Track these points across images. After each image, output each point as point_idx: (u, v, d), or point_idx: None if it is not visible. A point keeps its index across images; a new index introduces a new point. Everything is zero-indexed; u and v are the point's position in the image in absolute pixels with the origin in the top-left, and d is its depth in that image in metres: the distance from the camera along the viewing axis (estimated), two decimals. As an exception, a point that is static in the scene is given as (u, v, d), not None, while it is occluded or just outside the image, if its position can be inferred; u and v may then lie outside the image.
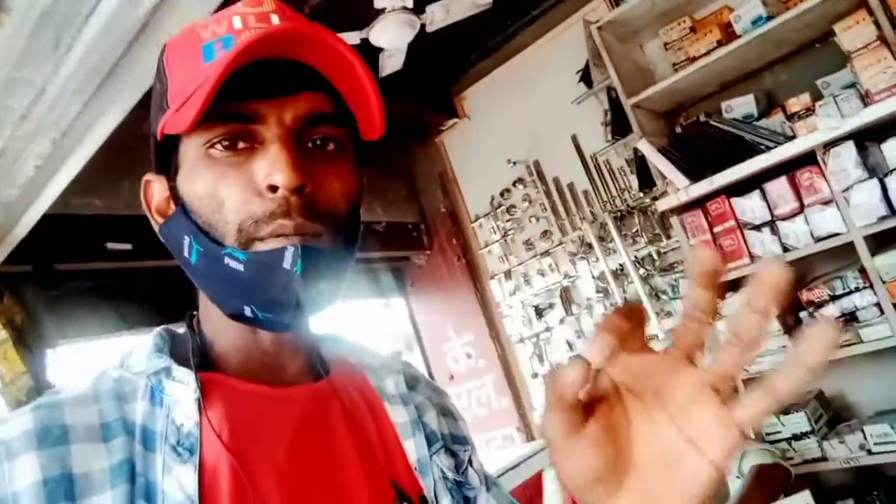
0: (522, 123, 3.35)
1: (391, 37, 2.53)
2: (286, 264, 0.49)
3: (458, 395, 3.64)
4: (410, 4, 2.42)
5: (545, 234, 3.30)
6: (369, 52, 2.59)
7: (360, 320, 3.65)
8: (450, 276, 3.67)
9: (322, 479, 0.54)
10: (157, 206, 0.58)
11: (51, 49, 0.99)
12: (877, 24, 2.00)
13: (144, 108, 2.39)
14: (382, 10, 2.41)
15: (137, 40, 1.10)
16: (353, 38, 2.44)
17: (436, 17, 2.53)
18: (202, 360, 0.56)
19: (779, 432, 2.28)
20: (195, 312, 0.60)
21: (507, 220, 3.43)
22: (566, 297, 3.24)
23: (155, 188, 0.58)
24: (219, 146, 0.51)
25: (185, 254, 0.54)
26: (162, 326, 0.59)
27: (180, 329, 0.60)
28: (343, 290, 0.55)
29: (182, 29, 0.55)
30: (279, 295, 0.50)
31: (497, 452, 3.38)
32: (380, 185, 3.62)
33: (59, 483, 0.45)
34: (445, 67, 3.53)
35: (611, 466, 0.38)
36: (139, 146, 2.41)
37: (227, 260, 0.51)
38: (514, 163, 3.34)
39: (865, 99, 2.03)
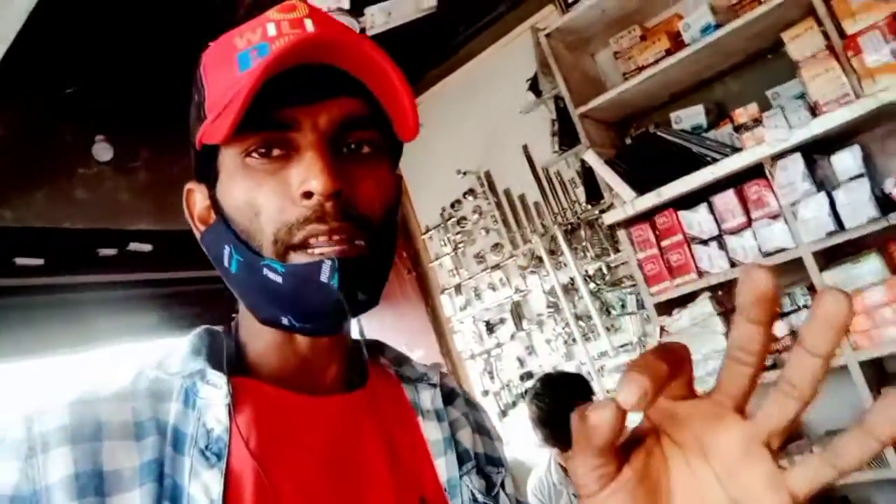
0: (474, 132, 3.25)
1: (329, 40, 2.41)
2: (324, 278, 0.49)
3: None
4: (347, 6, 2.30)
5: (496, 246, 3.20)
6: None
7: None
8: (400, 291, 3.55)
9: (349, 495, 0.54)
10: (199, 215, 0.58)
11: None
12: (825, 34, 1.95)
13: (59, 113, 2.21)
14: (327, 13, 2.28)
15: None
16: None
17: (376, 21, 2.42)
18: (238, 364, 0.57)
19: (728, 454, 2.20)
20: (235, 316, 0.61)
21: (458, 233, 3.33)
22: (517, 311, 3.14)
23: (196, 197, 0.58)
24: (255, 154, 0.51)
25: (226, 263, 0.54)
26: (203, 327, 0.60)
27: (220, 328, 0.61)
28: (380, 295, 0.55)
29: (218, 39, 0.56)
30: (316, 307, 0.51)
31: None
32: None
33: (89, 478, 0.45)
34: (395, 74, 3.42)
35: None
36: (58, 154, 2.24)
37: (265, 271, 0.51)
38: (465, 173, 3.24)
39: (814, 110, 1.97)
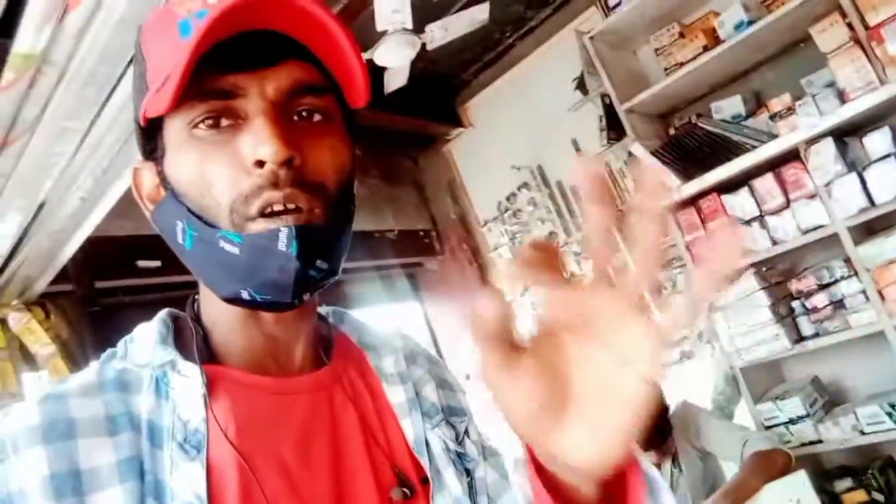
0: (525, 130, 3.49)
1: (394, 56, 2.69)
2: (281, 246, 0.48)
3: (473, 393, 3.77)
4: (410, 25, 2.57)
5: (551, 235, 3.43)
6: (375, 71, 2.75)
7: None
8: (462, 281, 3.82)
9: (329, 472, 0.53)
10: (147, 194, 0.56)
11: (93, 103, 1.16)
12: (850, 25, 2.12)
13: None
14: (384, 32, 2.57)
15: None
16: (358, 60, 2.60)
17: (435, 36, 2.68)
18: (204, 350, 0.55)
19: (776, 417, 2.39)
20: (196, 297, 0.59)
21: (514, 224, 3.57)
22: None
23: (144, 176, 0.56)
24: (202, 125, 0.49)
25: (179, 239, 0.52)
26: (165, 310, 0.59)
27: (182, 313, 0.59)
28: (341, 265, 0.54)
29: (158, 10, 0.54)
30: (276, 276, 0.49)
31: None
32: (390, 194, 3.78)
33: (66, 478, 0.44)
34: (450, 80, 3.69)
35: (550, 399, 0.37)
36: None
37: (222, 243, 0.49)
38: (519, 168, 3.48)
39: (843, 97, 2.14)
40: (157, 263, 2.63)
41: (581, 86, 3.09)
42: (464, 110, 3.78)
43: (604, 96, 2.93)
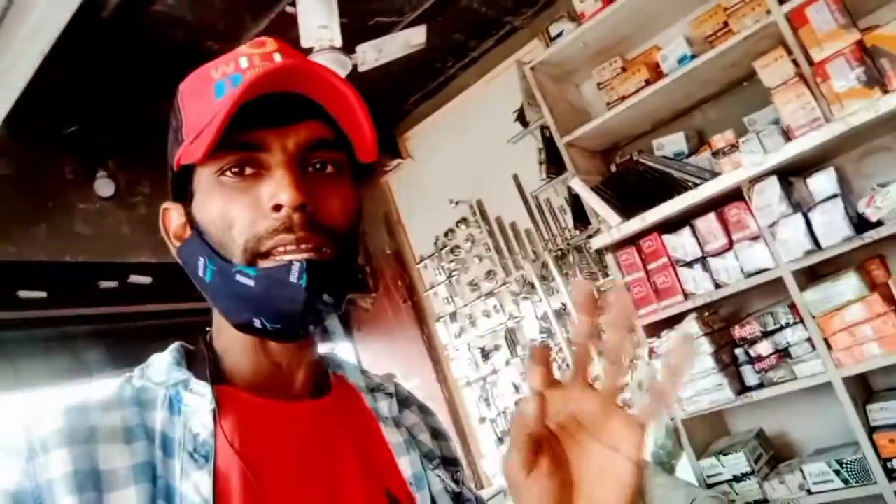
0: (465, 163, 3.34)
1: (322, 77, 2.50)
2: (293, 278, 0.53)
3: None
4: (339, 43, 2.40)
5: (489, 274, 3.26)
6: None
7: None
8: (396, 319, 3.60)
9: (324, 489, 0.58)
10: (174, 232, 0.62)
11: None
12: (794, 62, 2.03)
13: (60, 151, 2.29)
14: (310, 50, 2.38)
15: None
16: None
17: (367, 57, 2.51)
18: (216, 373, 0.60)
19: (720, 474, 2.22)
20: (209, 329, 0.64)
21: (452, 261, 3.39)
22: (511, 338, 3.18)
23: (172, 215, 0.63)
24: (229, 173, 0.56)
25: (201, 273, 0.58)
26: (178, 342, 0.64)
27: (193, 347, 0.65)
28: (344, 301, 0.60)
29: (195, 71, 0.61)
30: (287, 307, 0.55)
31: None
32: (323, 227, 3.56)
33: (87, 476, 0.49)
34: (388, 109, 3.53)
35: (562, 492, 0.47)
36: (62, 190, 2.33)
37: (238, 277, 0.55)
38: (457, 202, 3.32)
39: (787, 134, 2.05)
40: (41, 294, 2.33)
41: (521, 118, 2.96)
42: (402, 141, 3.62)
43: (544, 128, 2.80)
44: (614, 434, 0.45)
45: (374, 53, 2.53)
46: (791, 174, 2.13)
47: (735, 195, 2.18)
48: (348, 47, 2.47)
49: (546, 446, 0.47)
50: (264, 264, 0.55)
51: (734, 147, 2.16)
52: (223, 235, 0.56)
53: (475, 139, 3.29)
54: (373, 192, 3.73)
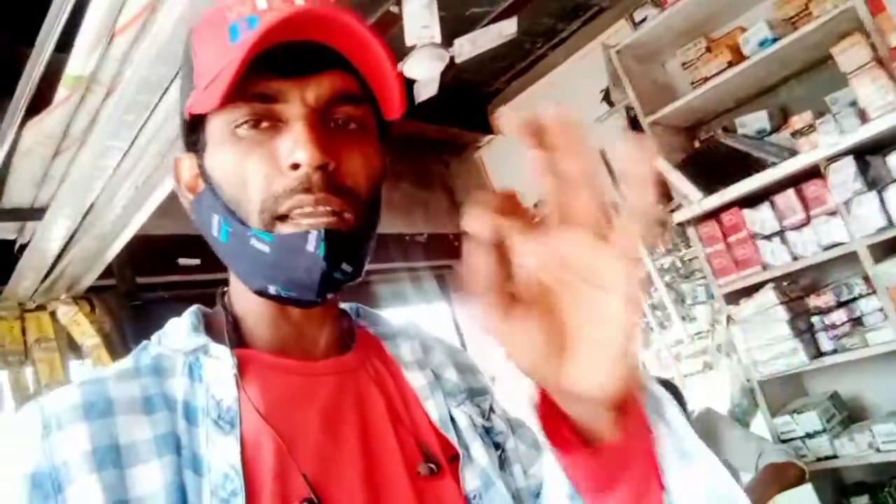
0: (554, 139, 3.53)
1: (423, 69, 2.78)
2: (310, 247, 0.50)
3: (500, 394, 3.85)
4: (439, 40, 2.66)
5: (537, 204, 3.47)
6: (405, 82, 2.85)
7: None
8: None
9: (357, 447, 0.56)
10: (186, 183, 0.59)
11: (133, 127, 1.29)
12: (872, 46, 2.12)
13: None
14: (413, 46, 2.66)
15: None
16: (389, 71, 2.70)
17: (464, 50, 2.76)
18: (235, 335, 0.58)
19: (793, 431, 2.40)
20: (226, 289, 0.62)
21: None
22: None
23: (185, 165, 0.59)
24: (244, 126, 0.52)
25: (215, 232, 0.55)
26: (196, 306, 0.62)
27: (210, 310, 0.63)
28: (364, 268, 0.56)
29: (209, 11, 0.56)
30: (302, 276, 0.52)
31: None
32: (422, 198, 3.88)
33: (106, 452, 0.47)
34: (482, 88, 3.77)
35: (551, 338, 0.40)
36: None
37: (253, 241, 0.52)
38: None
39: (863, 116, 2.15)
40: (196, 261, 2.78)
41: (607, 98, 3.13)
42: (495, 118, 3.86)
43: (629, 109, 2.97)
44: (600, 270, 0.38)
45: (469, 46, 2.77)
46: (869, 153, 2.23)
47: (813, 173, 2.30)
48: (445, 39, 2.73)
49: (525, 291, 0.40)
50: (281, 229, 0.52)
51: (812, 128, 2.28)
52: (237, 192, 0.53)
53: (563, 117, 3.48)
54: (468, 165, 4.00)
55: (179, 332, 0.58)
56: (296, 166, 0.50)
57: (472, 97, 3.80)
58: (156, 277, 2.71)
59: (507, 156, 3.84)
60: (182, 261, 2.78)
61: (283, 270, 0.52)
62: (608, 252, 0.38)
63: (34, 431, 0.48)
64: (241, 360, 0.56)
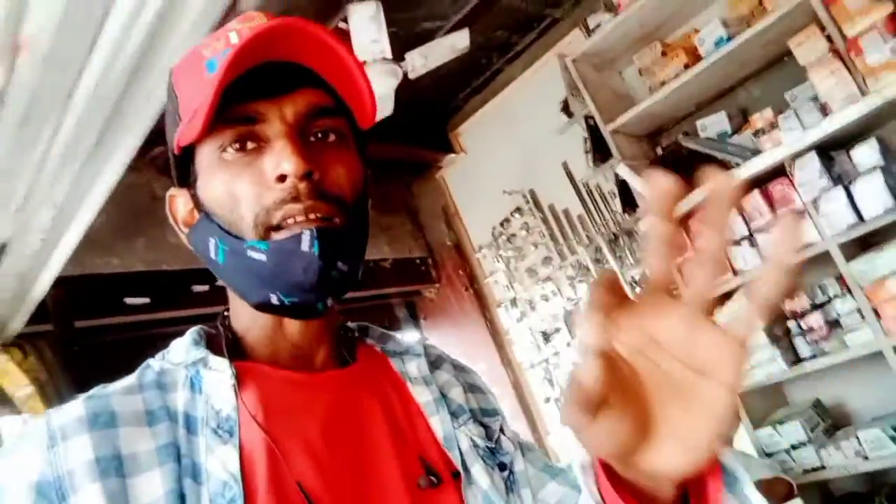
0: (516, 154, 3.46)
1: (376, 86, 2.68)
2: (304, 247, 0.52)
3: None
4: (389, 55, 2.57)
5: (546, 259, 3.38)
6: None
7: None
8: (459, 307, 3.77)
9: (354, 457, 0.56)
10: (182, 219, 0.61)
11: (39, 135, 1.16)
12: (828, 38, 2.07)
13: (151, 171, 2.55)
14: (364, 63, 2.57)
15: (116, 113, 1.26)
16: (338, 91, 2.60)
17: (416, 65, 2.68)
18: (236, 351, 0.60)
19: (777, 443, 2.29)
20: (226, 313, 0.64)
21: (509, 249, 3.53)
22: (570, 320, 3.31)
23: (178, 202, 0.62)
24: (230, 149, 0.55)
25: (213, 255, 0.57)
26: (198, 326, 0.63)
27: (213, 331, 0.64)
28: (359, 270, 0.58)
29: (186, 53, 0.60)
30: (301, 277, 0.53)
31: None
32: (385, 223, 3.76)
33: (109, 461, 0.48)
34: (440, 106, 3.68)
35: (636, 427, 0.37)
36: (152, 206, 2.60)
37: (250, 253, 0.54)
38: (511, 193, 3.45)
39: (825, 110, 2.09)
40: (145, 300, 2.63)
41: (566, 108, 3.06)
42: (455, 136, 3.77)
43: (588, 118, 2.90)
44: (703, 355, 0.36)
45: (421, 60, 2.69)
46: (834, 148, 2.17)
47: (778, 172, 2.23)
48: (397, 55, 2.64)
49: (614, 378, 0.37)
50: (275, 237, 0.54)
51: (774, 125, 2.21)
52: (232, 214, 0.55)
53: (524, 130, 3.41)
54: (430, 186, 3.90)
55: (181, 348, 0.60)
56: (282, 178, 0.53)
57: (430, 116, 3.71)
58: (99, 319, 2.54)
59: (468, 175, 3.74)
60: (129, 300, 2.62)
61: (282, 275, 0.54)
62: (721, 338, 0.36)
63: (40, 442, 0.49)
64: (241, 371, 0.57)
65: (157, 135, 2.82)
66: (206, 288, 2.80)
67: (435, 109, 3.68)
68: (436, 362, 0.71)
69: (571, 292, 3.29)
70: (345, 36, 2.55)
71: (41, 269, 1.71)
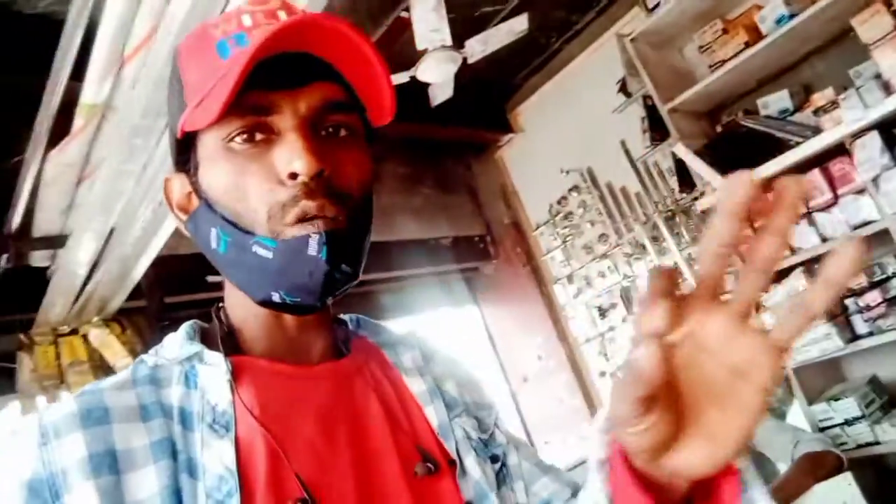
0: (573, 133, 3.51)
1: (436, 72, 2.78)
2: (312, 251, 0.51)
3: (531, 395, 3.83)
4: (450, 42, 2.66)
5: (602, 237, 3.45)
6: (421, 86, 2.86)
7: (437, 328, 3.93)
8: (517, 284, 3.88)
9: (351, 448, 0.56)
10: (178, 203, 0.60)
11: (142, 150, 1.32)
12: (894, 14, 2.05)
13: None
14: (425, 50, 2.67)
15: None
16: (401, 77, 2.72)
17: (475, 50, 2.76)
18: (231, 345, 0.59)
19: (831, 419, 2.33)
20: (221, 304, 0.63)
21: (566, 227, 3.60)
22: (626, 296, 3.37)
23: (175, 185, 0.60)
24: (238, 139, 0.53)
25: (213, 245, 0.56)
26: (192, 320, 0.63)
27: (207, 325, 0.64)
28: (361, 269, 0.57)
29: (193, 31, 0.58)
30: (306, 280, 0.53)
31: (573, 451, 3.55)
32: (445, 202, 3.88)
33: (102, 458, 0.48)
34: (499, 86, 3.75)
35: (670, 425, 0.38)
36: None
37: (255, 248, 0.53)
38: (568, 171, 3.51)
39: (888, 88, 2.07)
40: (223, 278, 2.84)
41: (623, 88, 3.09)
42: (514, 116, 3.84)
43: (646, 97, 2.92)
44: (744, 357, 0.37)
45: (480, 46, 2.76)
46: (894, 127, 2.15)
47: (839, 150, 2.23)
48: (457, 41, 2.73)
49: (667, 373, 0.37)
50: (286, 235, 0.53)
51: (835, 104, 2.21)
52: (239, 205, 0.54)
53: (583, 109, 3.45)
54: (489, 166, 4.00)
55: (175, 343, 0.59)
56: (294, 175, 0.52)
57: (489, 97, 3.79)
58: (184, 296, 2.76)
59: (526, 154, 3.82)
60: (210, 278, 2.84)
61: (288, 276, 0.53)
62: (761, 342, 0.37)
63: (32, 440, 0.49)
64: (236, 365, 0.57)
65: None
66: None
67: (494, 90, 3.75)
68: (429, 355, 0.71)
69: (628, 269, 3.35)
70: (406, 26, 2.65)
71: (141, 253, 1.90)
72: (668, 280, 0.37)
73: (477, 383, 0.73)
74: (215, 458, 0.51)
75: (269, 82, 0.52)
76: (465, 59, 2.81)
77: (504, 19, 2.93)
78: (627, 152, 3.28)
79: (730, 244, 0.36)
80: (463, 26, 2.80)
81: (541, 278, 3.81)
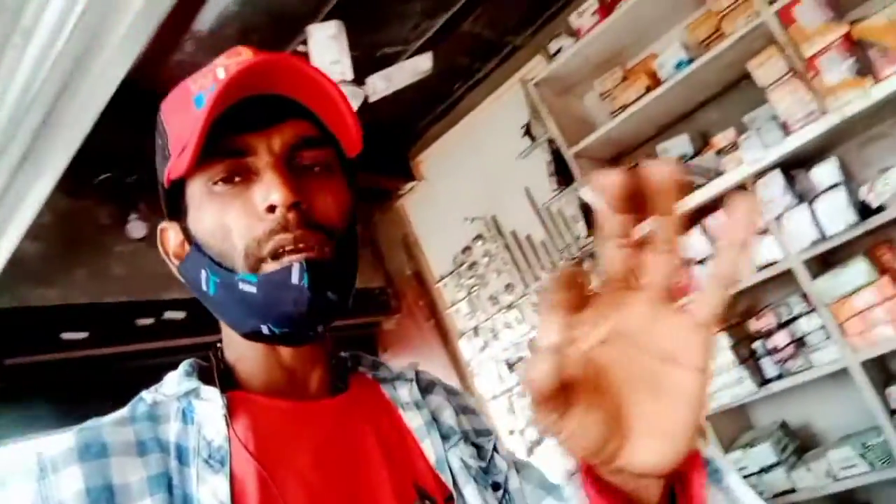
0: (478, 181, 3.43)
1: (335, 108, 2.62)
2: (294, 280, 0.53)
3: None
4: (351, 76, 2.52)
5: (508, 287, 3.33)
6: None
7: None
8: (420, 338, 3.67)
9: (347, 486, 0.56)
10: (173, 251, 0.62)
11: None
12: (787, 58, 2.10)
13: (95, 198, 2.40)
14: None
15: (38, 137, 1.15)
16: (297, 112, 2.53)
17: (377, 87, 2.63)
18: (228, 381, 0.60)
19: (746, 467, 2.25)
20: (219, 344, 0.64)
21: (471, 277, 3.47)
22: (534, 348, 3.24)
23: (169, 234, 0.62)
24: (220, 182, 0.56)
25: (204, 287, 0.58)
26: (191, 358, 0.63)
27: (206, 364, 0.65)
28: (350, 298, 0.59)
29: (174, 89, 0.61)
30: (291, 309, 0.54)
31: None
32: (344, 252, 3.66)
33: (100, 492, 0.49)
34: (400, 133, 3.64)
35: (608, 422, 0.36)
36: (96, 235, 2.43)
37: (240, 285, 0.55)
38: (472, 219, 3.41)
39: (786, 129, 2.11)
40: (83, 335, 2.45)
41: (529, 132, 3.05)
42: (416, 163, 3.73)
43: (551, 141, 2.89)
44: (667, 342, 0.35)
45: (383, 83, 2.64)
46: (794, 167, 2.19)
47: (741, 191, 2.24)
48: (359, 79, 2.59)
49: (580, 376, 0.36)
50: (265, 268, 0.54)
51: (735, 145, 2.23)
52: (223, 244, 0.56)
53: (486, 157, 3.39)
54: (389, 215, 3.83)
55: (173, 380, 0.60)
56: (272, 209, 0.54)
57: (391, 143, 3.67)
58: (31, 357, 2.36)
59: (428, 203, 3.69)
60: (66, 335, 2.44)
61: (273, 307, 0.54)
62: (684, 322, 0.36)
63: (30, 474, 0.50)
64: (233, 401, 0.57)
65: (101, 160, 2.70)
66: (151, 321, 2.64)
67: (396, 137, 3.63)
68: (427, 387, 0.72)
69: (535, 319, 3.23)
70: (304, 59, 2.49)
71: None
72: (569, 284, 0.34)
73: (475, 411, 0.73)
74: (210, 492, 0.52)
75: (243, 125, 0.55)
76: (366, 100, 2.68)
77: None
78: (532, 199, 3.22)
79: (622, 235, 0.36)
80: (365, 68, 2.67)
81: (445, 332, 3.62)
